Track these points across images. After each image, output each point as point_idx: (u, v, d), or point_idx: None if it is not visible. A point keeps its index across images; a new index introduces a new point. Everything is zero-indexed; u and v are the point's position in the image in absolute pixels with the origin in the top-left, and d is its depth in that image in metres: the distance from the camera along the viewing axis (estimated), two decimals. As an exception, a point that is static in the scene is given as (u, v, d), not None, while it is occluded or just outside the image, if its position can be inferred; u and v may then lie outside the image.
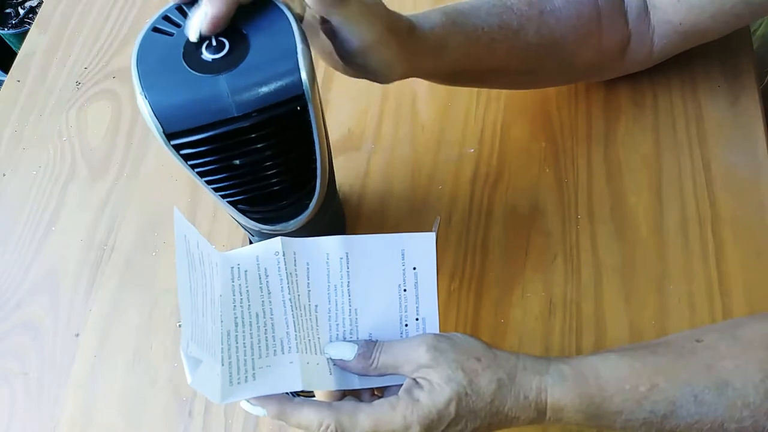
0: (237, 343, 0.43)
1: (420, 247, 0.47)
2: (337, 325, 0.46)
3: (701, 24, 0.57)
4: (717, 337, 0.43)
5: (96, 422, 0.58)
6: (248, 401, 0.43)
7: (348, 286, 0.46)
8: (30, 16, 1.63)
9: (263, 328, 0.44)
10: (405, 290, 0.47)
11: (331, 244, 0.46)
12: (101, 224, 0.67)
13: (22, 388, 0.60)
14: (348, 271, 0.46)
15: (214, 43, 0.38)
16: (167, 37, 0.38)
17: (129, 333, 0.61)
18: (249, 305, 0.44)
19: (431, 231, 0.61)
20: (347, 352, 0.45)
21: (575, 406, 0.41)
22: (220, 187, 0.41)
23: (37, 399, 0.59)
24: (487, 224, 0.63)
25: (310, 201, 0.45)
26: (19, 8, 1.65)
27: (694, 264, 0.59)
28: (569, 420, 0.42)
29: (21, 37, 1.56)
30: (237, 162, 0.39)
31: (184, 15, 0.39)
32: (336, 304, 0.46)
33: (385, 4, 0.46)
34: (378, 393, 0.47)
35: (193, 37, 0.38)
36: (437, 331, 0.47)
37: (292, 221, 0.46)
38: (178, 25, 0.39)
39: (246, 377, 0.42)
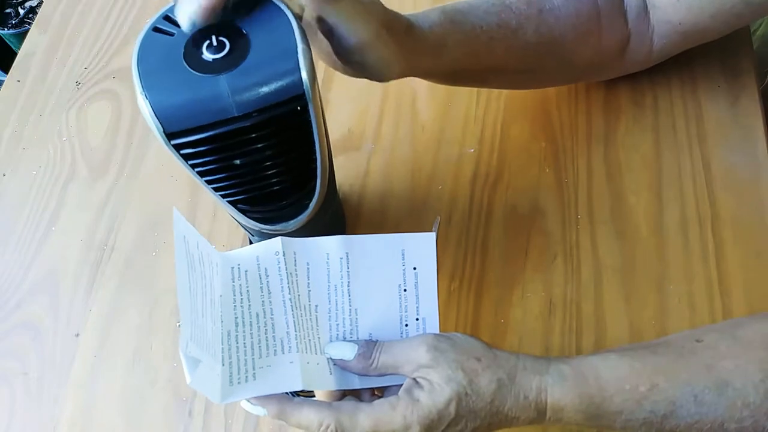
0: (237, 343, 0.43)
1: (420, 247, 0.47)
2: (338, 325, 0.46)
3: (701, 24, 0.57)
4: (717, 337, 0.43)
5: (96, 422, 0.58)
6: (248, 401, 0.43)
7: (348, 286, 0.46)
8: (30, 16, 1.63)
9: (263, 328, 0.44)
10: (405, 290, 0.47)
11: (331, 244, 0.46)
12: (101, 224, 0.67)
13: (22, 388, 0.60)
14: (348, 271, 0.46)
15: (214, 43, 0.38)
16: (168, 36, 0.38)
17: (129, 333, 0.61)
18: (249, 305, 0.44)
19: (431, 231, 0.61)
20: (347, 352, 0.45)
21: (575, 406, 0.41)
22: (221, 187, 0.41)
23: (37, 399, 0.59)
24: (487, 224, 0.63)
25: (310, 201, 0.45)
26: (19, 8, 1.65)
27: (694, 264, 0.59)
28: (569, 420, 0.42)
29: (21, 37, 1.56)
30: (237, 162, 0.39)
31: (185, 15, 0.39)
32: (336, 304, 0.46)
33: (384, 3, 0.46)
34: (378, 393, 0.47)
35: (186, 27, 0.37)
36: (437, 331, 0.47)
37: (292, 221, 0.46)
38: (178, 25, 0.39)
39: (246, 377, 0.42)
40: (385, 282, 0.47)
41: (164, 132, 0.37)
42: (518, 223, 0.62)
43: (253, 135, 0.38)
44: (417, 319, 0.47)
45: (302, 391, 0.48)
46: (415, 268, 0.47)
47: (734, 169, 0.62)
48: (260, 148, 0.39)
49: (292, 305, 0.44)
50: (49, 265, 0.66)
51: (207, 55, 0.37)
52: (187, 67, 0.37)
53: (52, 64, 0.79)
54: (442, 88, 0.70)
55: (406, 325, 0.47)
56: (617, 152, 0.65)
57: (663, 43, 0.60)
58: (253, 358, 0.43)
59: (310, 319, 0.45)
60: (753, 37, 0.79)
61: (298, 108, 0.38)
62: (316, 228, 0.48)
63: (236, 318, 0.43)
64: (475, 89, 0.70)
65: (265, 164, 0.40)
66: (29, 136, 0.74)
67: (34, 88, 0.78)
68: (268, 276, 0.44)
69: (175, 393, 0.58)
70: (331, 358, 0.45)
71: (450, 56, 0.52)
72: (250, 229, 0.49)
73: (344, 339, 0.46)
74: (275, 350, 0.43)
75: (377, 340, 0.45)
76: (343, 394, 0.45)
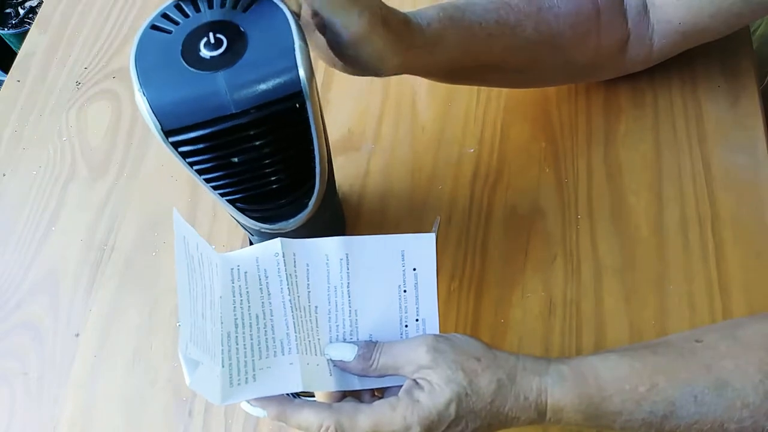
0: (237, 344, 0.43)
1: (420, 248, 0.47)
2: (337, 326, 0.46)
3: (701, 23, 0.57)
4: (717, 338, 0.43)
5: (96, 422, 0.58)
6: (248, 402, 0.43)
7: (348, 287, 0.46)
8: (30, 16, 1.63)
9: (263, 329, 0.44)
10: (405, 291, 0.47)
11: (330, 245, 0.46)
12: (101, 224, 0.67)
13: (22, 388, 0.60)
14: (348, 272, 0.46)
15: (212, 40, 0.37)
16: (166, 34, 0.38)
17: (129, 333, 0.61)
18: (249, 306, 0.44)
19: (431, 231, 0.61)
20: (347, 353, 0.45)
21: (575, 406, 0.41)
22: (219, 185, 0.41)
23: (37, 399, 0.59)
24: (487, 224, 0.63)
25: (309, 199, 0.45)
26: (19, 8, 1.65)
27: (694, 264, 0.58)
28: (569, 420, 0.42)
29: (21, 37, 1.56)
30: (235, 159, 0.39)
31: (183, 13, 0.39)
32: (336, 305, 0.46)
33: (385, 2, 0.46)
34: (378, 394, 0.47)
35: None
36: (437, 332, 0.47)
37: (291, 220, 0.46)
38: (176, 23, 0.39)
39: (246, 378, 0.42)
40: (385, 283, 0.47)
41: (162, 129, 0.37)
42: (518, 223, 0.62)
43: (251, 132, 0.38)
44: (417, 320, 0.47)
45: (302, 393, 0.48)
46: (414, 269, 0.47)
47: (734, 169, 0.62)
48: (258, 145, 0.39)
49: (291, 306, 0.44)
50: (49, 265, 0.66)
51: (205, 53, 0.37)
52: (185, 65, 0.37)
53: (52, 64, 0.79)
54: (442, 88, 0.70)
55: (406, 326, 0.47)
56: (617, 152, 0.65)
57: (663, 42, 0.60)
58: (252, 360, 0.43)
59: (310, 320, 0.45)
60: (753, 36, 0.79)
61: (296, 105, 0.38)
62: (315, 227, 0.48)
63: (236, 319, 0.43)
64: (475, 89, 0.70)
65: (264, 162, 0.40)
66: (29, 136, 0.74)
67: (34, 88, 0.78)
68: (267, 277, 0.44)
69: (175, 393, 0.58)
70: (330, 359, 0.45)
71: (448, 53, 0.52)
72: (250, 228, 0.49)
73: (344, 340, 0.46)
74: (275, 351, 0.43)
75: (377, 341, 0.45)
76: (343, 395, 0.45)
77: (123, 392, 0.59)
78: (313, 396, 0.47)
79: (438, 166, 0.66)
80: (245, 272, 0.44)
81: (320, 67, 0.72)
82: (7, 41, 1.63)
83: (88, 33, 0.81)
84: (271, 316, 0.44)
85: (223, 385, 0.41)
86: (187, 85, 0.37)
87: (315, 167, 0.43)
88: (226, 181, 0.41)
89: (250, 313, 0.44)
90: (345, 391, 0.45)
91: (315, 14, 0.43)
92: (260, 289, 0.44)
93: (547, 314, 0.58)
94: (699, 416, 0.40)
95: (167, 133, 0.37)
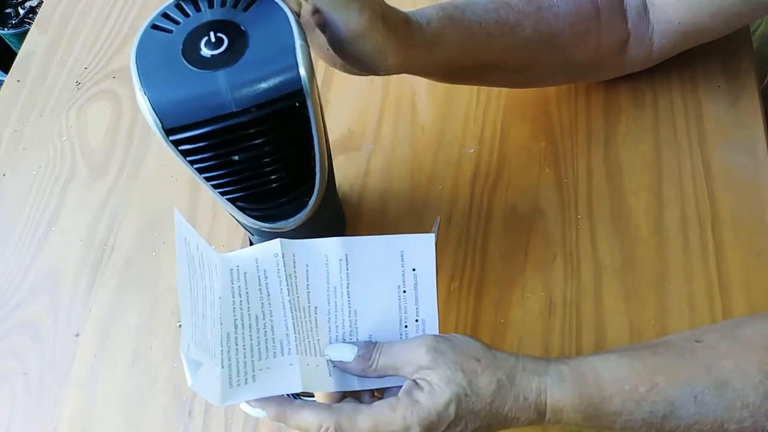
0: (237, 345, 0.43)
1: (419, 249, 0.47)
2: (337, 326, 0.46)
3: (700, 23, 0.57)
4: (717, 337, 0.43)
5: (96, 422, 0.58)
6: (248, 403, 0.43)
7: (347, 287, 0.46)
8: (30, 16, 1.63)
9: (263, 330, 0.44)
10: (404, 291, 0.47)
11: (330, 245, 0.46)
12: (101, 224, 0.67)
13: (22, 388, 0.60)
14: (347, 273, 0.46)
15: (212, 39, 0.38)
16: (166, 34, 0.38)
17: (129, 333, 0.61)
18: (248, 307, 0.44)
19: (431, 231, 0.61)
20: (347, 354, 0.45)
21: (574, 406, 0.41)
22: (220, 183, 0.41)
23: (37, 399, 0.59)
24: (487, 224, 0.63)
25: (310, 198, 0.45)
26: (19, 8, 1.65)
27: (694, 264, 0.58)
28: (568, 421, 0.42)
29: (21, 37, 1.56)
30: (236, 158, 0.39)
31: (183, 12, 0.39)
32: (335, 306, 0.46)
33: (385, 1, 0.46)
34: (378, 394, 0.47)
35: None
36: (437, 333, 0.47)
37: (291, 219, 0.46)
38: (177, 22, 0.39)
39: (246, 379, 0.42)
40: (385, 283, 0.47)
41: (163, 128, 0.37)
42: (518, 223, 0.62)
43: (252, 131, 0.38)
44: (416, 321, 0.47)
45: (302, 393, 0.48)
46: (414, 270, 0.47)
47: (734, 169, 0.62)
48: (259, 144, 0.39)
49: (291, 307, 0.44)
50: (49, 265, 0.66)
51: (205, 52, 0.37)
52: (186, 64, 0.37)
53: (52, 64, 0.79)
54: (441, 88, 0.70)
55: (406, 327, 0.47)
56: (617, 152, 0.65)
57: (663, 42, 0.60)
58: (252, 360, 0.43)
59: (310, 320, 0.45)
60: (753, 36, 0.79)
61: (297, 104, 0.38)
62: (315, 227, 0.48)
63: (235, 320, 0.43)
64: (474, 89, 0.70)
65: (264, 160, 0.40)
66: (29, 136, 0.74)
67: (34, 88, 0.78)
68: (267, 278, 0.44)
69: (175, 393, 0.58)
70: (330, 360, 0.45)
71: (447, 52, 0.52)
72: (250, 227, 0.49)
73: (344, 340, 0.46)
74: (274, 352, 0.43)
75: (377, 342, 0.45)
76: (343, 396, 0.45)
77: (123, 392, 0.59)
78: (313, 397, 0.47)
79: (438, 166, 0.66)
80: (245, 273, 0.44)
81: (320, 66, 0.72)
82: (7, 41, 1.63)
83: (88, 33, 0.81)
84: (271, 316, 0.44)
85: (222, 385, 0.41)
86: (188, 84, 0.37)
87: (315, 166, 0.43)
88: (227, 179, 0.41)
89: (249, 314, 0.44)
90: (345, 392, 0.45)
91: (315, 11, 0.43)
92: (260, 289, 0.44)
93: (547, 314, 0.58)
94: (699, 416, 0.40)
95: (168, 131, 0.37)
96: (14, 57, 0.81)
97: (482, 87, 0.70)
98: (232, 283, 0.43)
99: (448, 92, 0.70)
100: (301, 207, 0.45)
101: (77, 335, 0.62)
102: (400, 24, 0.47)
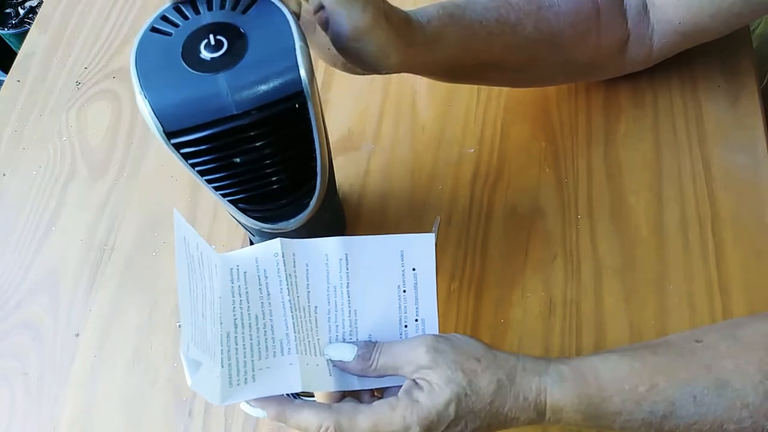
0: (236, 344, 0.43)
1: (419, 248, 0.47)
2: (337, 326, 0.46)
3: (701, 23, 0.57)
4: (717, 337, 0.43)
5: (96, 422, 0.58)
6: (248, 403, 0.43)
7: (347, 287, 0.46)
8: (30, 16, 1.63)
9: (263, 329, 0.44)
10: (404, 291, 0.47)
11: (330, 245, 0.46)
12: (101, 224, 0.67)
13: (22, 388, 0.60)
14: (347, 273, 0.46)
15: (212, 41, 0.38)
16: (166, 36, 0.38)
17: (129, 333, 0.61)
18: (248, 307, 0.44)
19: (431, 231, 0.61)
20: (347, 354, 0.45)
21: (574, 406, 0.41)
22: (220, 185, 0.41)
23: (37, 399, 0.59)
24: (487, 224, 0.63)
25: (310, 199, 0.45)
26: (19, 8, 1.65)
27: (694, 264, 0.58)
28: (568, 420, 0.42)
29: (21, 37, 1.56)
30: (237, 160, 0.39)
31: (182, 15, 0.39)
32: (335, 306, 0.46)
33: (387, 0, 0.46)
34: (378, 394, 0.47)
35: None
36: (437, 332, 0.47)
37: (292, 220, 0.46)
38: (176, 25, 0.39)
39: (246, 379, 0.42)
40: (385, 283, 0.47)
41: (164, 131, 0.37)
42: (518, 223, 0.62)
43: (252, 133, 0.38)
44: (416, 320, 0.47)
45: (302, 393, 0.48)
46: (414, 269, 0.47)
47: (734, 169, 0.62)
48: (259, 146, 0.39)
49: (291, 306, 0.44)
50: (49, 265, 0.66)
51: (205, 54, 0.37)
52: (186, 66, 0.37)
53: (52, 64, 0.79)
54: (442, 88, 0.70)
55: (406, 326, 0.47)
56: (617, 152, 0.65)
57: (663, 42, 0.60)
58: (252, 360, 0.43)
59: (310, 320, 0.45)
60: (752, 35, 0.78)
61: (297, 105, 0.38)
62: (316, 227, 0.48)
63: (235, 319, 0.43)
64: (474, 88, 0.70)
65: (265, 162, 0.40)
66: (29, 136, 0.74)
67: (34, 88, 0.78)
68: (267, 277, 0.44)
69: (175, 393, 0.58)
70: (330, 360, 0.45)
71: (448, 51, 0.52)
72: (251, 228, 0.49)
73: (343, 340, 0.46)
74: (274, 352, 0.43)
75: (376, 342, 0.45)
76: (343, 396, 0.45)
77: (123, 392, 0.59)
78: (313, 396, 0.47)
79: (438, 166, 0.66)
80: (245, 272, 0.44)
81: (320, 66, 0.72)
82: (7, 41, 1.63)
83: (88, 33, 0.81)
84: (271, 316, 0.44)
85: (222, 385, 0.41)
86: (188, 87, 0.37)
87: (316, 167, 0.43)
88: (228, 181, 0.41)
89: (249, 314, 0.44)
90: (344, 392, 0.45)
91: (318, 9, 0.43)
92: (260, 289, 0.44)
93: (547, 314, 0.58)
94: (699, 416, 0.40)
95: (169, 135, 0.37)
96: (14, 57, 0.81)
97: (482, 86, 0.70)
98: (232, 283, 0.43)
99: (448, 92, 0.70)
100: (302, 208, 0.45)
101: (77, 335, 0.62)
102: (401, 22, 0.47)
